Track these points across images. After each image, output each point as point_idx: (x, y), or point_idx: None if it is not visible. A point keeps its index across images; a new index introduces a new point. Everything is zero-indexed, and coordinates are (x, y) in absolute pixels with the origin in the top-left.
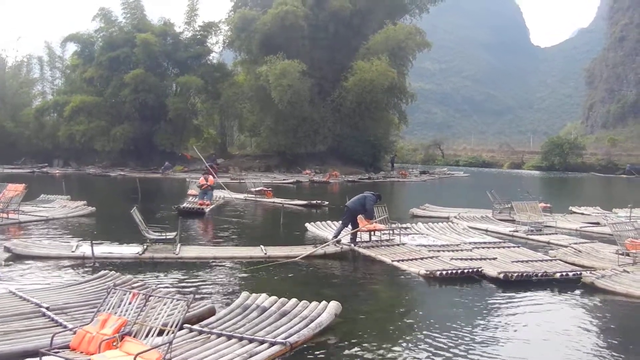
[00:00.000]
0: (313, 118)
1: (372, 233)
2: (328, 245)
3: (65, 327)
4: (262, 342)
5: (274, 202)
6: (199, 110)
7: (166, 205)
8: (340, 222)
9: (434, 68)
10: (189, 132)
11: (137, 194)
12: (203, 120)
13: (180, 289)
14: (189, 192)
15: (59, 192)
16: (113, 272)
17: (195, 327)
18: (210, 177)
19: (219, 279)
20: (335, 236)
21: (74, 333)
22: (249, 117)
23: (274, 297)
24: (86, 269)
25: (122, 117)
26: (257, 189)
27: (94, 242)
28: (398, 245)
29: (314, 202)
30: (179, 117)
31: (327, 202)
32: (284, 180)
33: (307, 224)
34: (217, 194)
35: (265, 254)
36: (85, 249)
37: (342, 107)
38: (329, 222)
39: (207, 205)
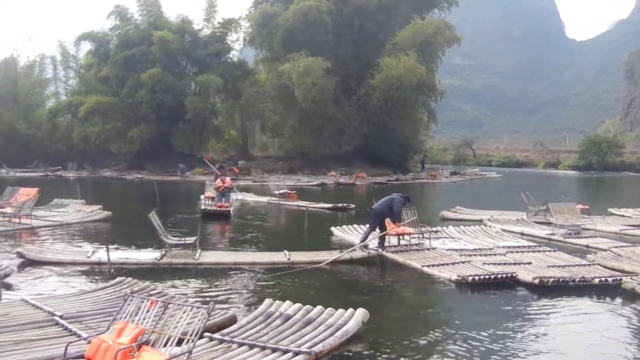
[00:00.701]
0: (338, 117)
1: (401, 237)
2: (355, 250)
3: (79, 336)
4: (285, 352)
5: (298, 205)
6: (218, 110)
7: (185, 208)
8: (367, 225)
9: (463, 64)
10: (209, 133)
11: (155, 197)
12: (223, 121)
13: (200, 296)
14: (206, 194)
15: (74, 196)
16: (130, 278)
17: (216, 335)
18: (227, 179)
19: (241, 286)
20: (362, 240)
21: (89, 342)
22: (271, 116)
23: (298, 305)
24: (102, 276)
25: (139, 118)
26: (280, 191)
27: (110, 247)
28: (428, 249)
29: (340, 205)
30: (198, 118)
31: (353, 205)
32: (308, 182)
33: (332, 228)
34: (237, 197)
35: (289, 259)
36: (100, 254)
37: (368, 106)
38: (355, 225)
39: (227, 207)
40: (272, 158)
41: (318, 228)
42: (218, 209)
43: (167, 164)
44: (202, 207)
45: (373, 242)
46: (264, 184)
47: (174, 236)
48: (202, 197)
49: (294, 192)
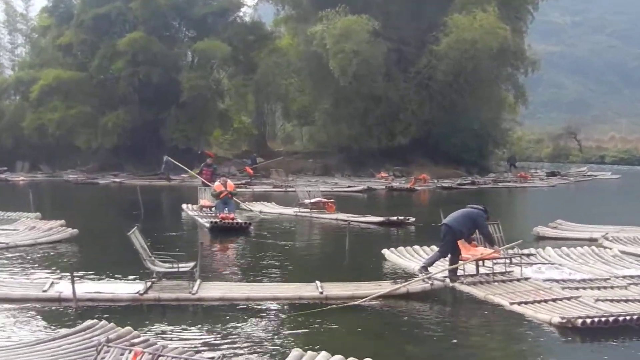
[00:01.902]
0: (390, 98)
1: (480, 263)
2: (415, 280)
3: None
4: None
5: (336, 219)
6: (225, 89)
7: (179, 223)
8: (437, 248)
9: (564, 22)
10: (212, 120)
11: (139, 208)
12: (232, 104)
13: (200, 346)
14: (201, 202)
15: (25, 207)
16: (104, 321)
17: None
18: (229, 182)
19: (256, 331)
20: (425, 267)
21: None
22: (298, 97)
23: (338, 357)
24: (64, 318)
25: (115, 100)
26: (312, 200)
27: (75, 277)
28: (518, 280)
29: (394, 218)
30: (197, 100)
31: (412, 219)
32: (349, 187)
33: (384, 251)
34: (252, 208)
35: (322, 292)
36: (62, 287)
37: (431, 82)
38: (416, 247)
39: (232, 219)
40: (299, 154)
41: (363, 250)
42: (230, 222)
43: (154, 163)
44: (212, 220)
45: (436, 268)
46: (288, 189)
47: (163, 261)
48: (185, 206)
49: (330, 200)
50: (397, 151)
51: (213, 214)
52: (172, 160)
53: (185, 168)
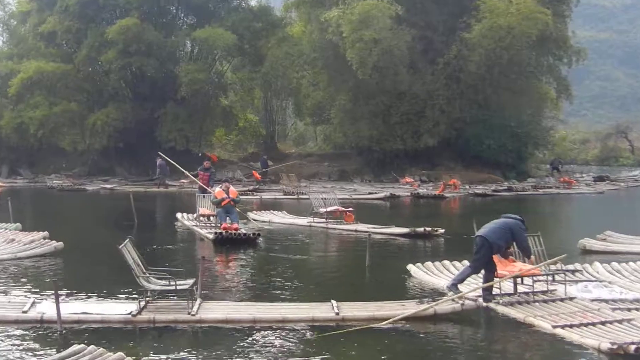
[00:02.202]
0: (415, 93)
1: (519, 281)
2: (444, 300)
3: None
4: None
5: (355, 230)
6: (229, 83)
7: (177, 235)
8: (469, 263)
9: (613, 5)
10: (215, 118)
11: (132, 218)
12: (237, 100)
13: None
14: (200, 210)
15: (3, 217)
16: (92, 346)
17: None
18: (232, 187)
19: (264, 358)
20: (456, 285)
21: None
22: (312, 93)
23: None
24: (47, 342)
25: (105, 96)
26: (328, 209)
27: (60, 296)
28: (562, 300)
29: (421, 229)
30: (197, 96)
31: (441, 230)
32: (370, 194)
33: (409, 266)
34: (263, 217)
35: (338, 313)
36: (45, 307)
37: (462, 75)
38: (445, 262)
39: (236, 229)
40: (313, 157)
41: (386, 266)
42: (236, 233)
43: (149, 167)
44: (215, 231)
45: (468, 286)
46: (301, 196)
47: (159, 278)
48: (180, 215)
49: (349, 209)
50: (423, 153)
51: (213, 224)
52: (165, 157)
53: (181, 168)
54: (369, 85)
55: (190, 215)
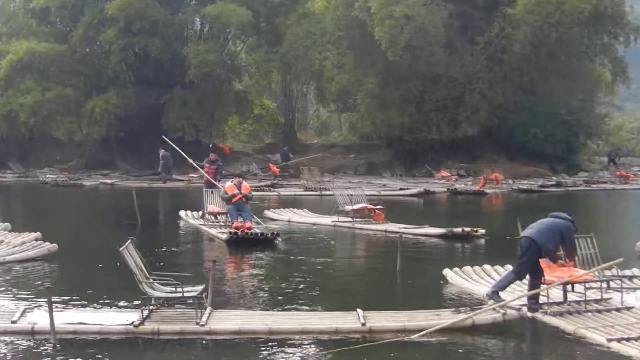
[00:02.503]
0: (452, 76)
1: (569, 288)
2: (483, 310)
3: None
4: None
5: (385, 231)
6: (243, 65)
7: (184, 235)
8: (513, 267)
9: None
10: (227, 105)
11: (134, 216)
12: (252, 84)
13: None
14: (209, 208)
15: None
16: None
17: None
18: (244, 182)
19: None
20: (497, 292)
21: None
22: (336, 76)
23: None
24: (40, 355)
25: (105, 80)
26: (354, 206)
27: (54, 304)
28: (618, 310)
29: (459, 230)
30: (207, 79)
31: (482, 231)
32: (401, 190)
33: (445, 271)
34: (281, 215)
35: (364, 324)
36: (37, 317)
37: (505, 56)
38: (486, 266)
39: (249, 228)
40: (337, 148)
41: (419, 270)
42: (252, 233)
43: (154, 159)
44: (229, 231)
45: (511, 293)
46: (324, 193)
47: (164, 284)
48: (183, 213)
49: (378, 207)
50: (461, 144)
51: (222, 223)
52: (170, 143)
53: (188, 158)
54: (400, 67)
55: (195, 213)
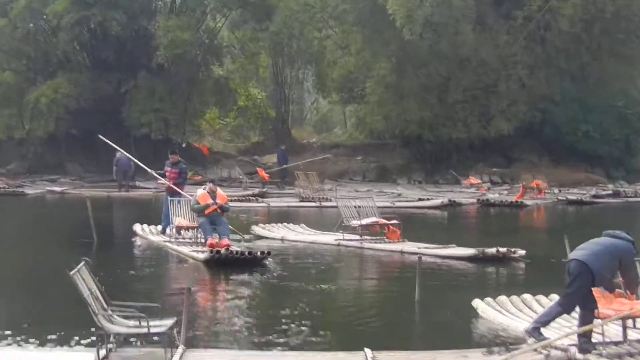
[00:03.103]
0: (484, 60)
1: (630, 323)
2: (522, 351)
3: None
4: None
5: (402, 251)
6: (224, 45)
7: (152, 255)
8: (559, 298)
9: None
10: (205, 95)
11: (90, 233)
12: (236, 69)
13: None
14: (177, 222)
15: None
16: None
17: None
18: (219, 190)
19: None
20: (538, 328)
21: None
22: (339, 59)
23: None
24: None
25: (53, 64)
26: (363, 221)
27: None
28: None
29: (492, 250)
30: (180, 63)
31: (521, 252)
32: (420, 200)
33: (475, 302)
34: (273, 232)
35: None
36: None
37: (549, 35)
38: (525, 296)
39: (227, 246)
40: (341, 148)
41: (442, 300)
42: (235, 252)
43: (113, 162)
44: (211, 249)
45: (557, 330)
46: (324, 204)
47: (126, 316)
48: (139, 228)
49: (392, 222)
50: (495, 144)
51: (192, 240)
52: (110, 143)
53: (137, 162)
54: (419, 48)
55: (154, 228)
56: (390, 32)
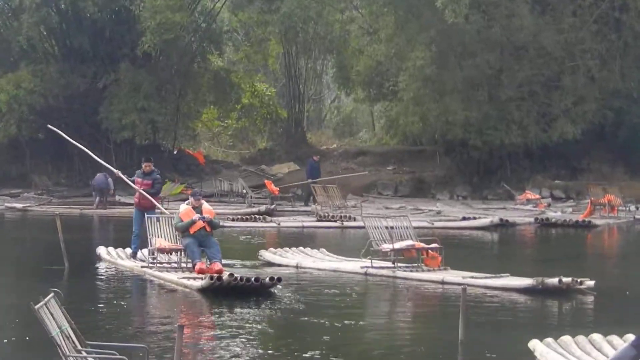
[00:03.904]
0: (544, 48)
1: None
2: None
3: None
4: None
5: (442, 282)
6: (225, 30)
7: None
8: (635, 338)
9: None
10: (201, 90)
11: (60, 259)
12: (239, 59)
13: None
14: (157, 244)
15: None
16: None
17: None
18: (205, 203)
19: None
20: None
21: None
22: (366, 47)
23: None
24: None
25: (14, 53)
26: (396, 245)
27: None
28: None
29: (554, 281)
30: (170, 52)
31: (589, 282)
32: (464, 219)
33: (533, 343)
34: (288, 258)
35: None
36: None
37: (625, 17)
38: (594, 336)
39: (220, 271)
40: (368, 156)
41: (492, 341)
42: (239, 278)
43: (89, 172)
44: (211, 275)
45: None
46: (345, 223)
47: (105, 357)
48: (104, 251)
49: (432, 245)
50: (557, 151)
51: (175, 264)
52: (59, 132)
53: (104, 163)
54: (464, 34)
55: (121, 251)
56: (429, 14)
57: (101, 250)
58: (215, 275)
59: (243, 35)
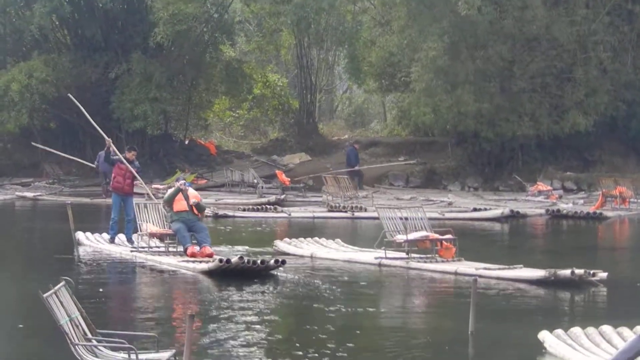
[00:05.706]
0: (557, 39)
1: None
2: None
3: None
4: None
5: (455, 273)
6: (237, 21)
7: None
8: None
9: None
10: (213, 81)
11: (70, 248)
12: (251, 50)
13: None
14: (148, 229)
15: None
16: None
17: None
18: (192, 190)
19: None
20: None
21: None
22: (378, 39)
23: None
24: None
25: (26, 43)
26: (410, 236)
27: None
28: None
29: (566, 272)
30: (183, 43)
31: (601, 274)
32: (475, 210)
33: (542, 334)
34: (302, 248)
35: None
36: None
37: (636, 9)
38: (604, 327)
39: (211, 255)
40: (380, 147)
41: (502, 332)
42: (247, 260)
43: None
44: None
45: None
46: (356, 214)
47: (114, 347)
48: (84, 236)
49: (446, 236)
50: (569, 142)
51: (162, 248)
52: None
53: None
54: (477, 25)
55: (99, 236)
56: (442, 6)
57: (79, 234)
58: (224, 258)
59: (255, 26)
